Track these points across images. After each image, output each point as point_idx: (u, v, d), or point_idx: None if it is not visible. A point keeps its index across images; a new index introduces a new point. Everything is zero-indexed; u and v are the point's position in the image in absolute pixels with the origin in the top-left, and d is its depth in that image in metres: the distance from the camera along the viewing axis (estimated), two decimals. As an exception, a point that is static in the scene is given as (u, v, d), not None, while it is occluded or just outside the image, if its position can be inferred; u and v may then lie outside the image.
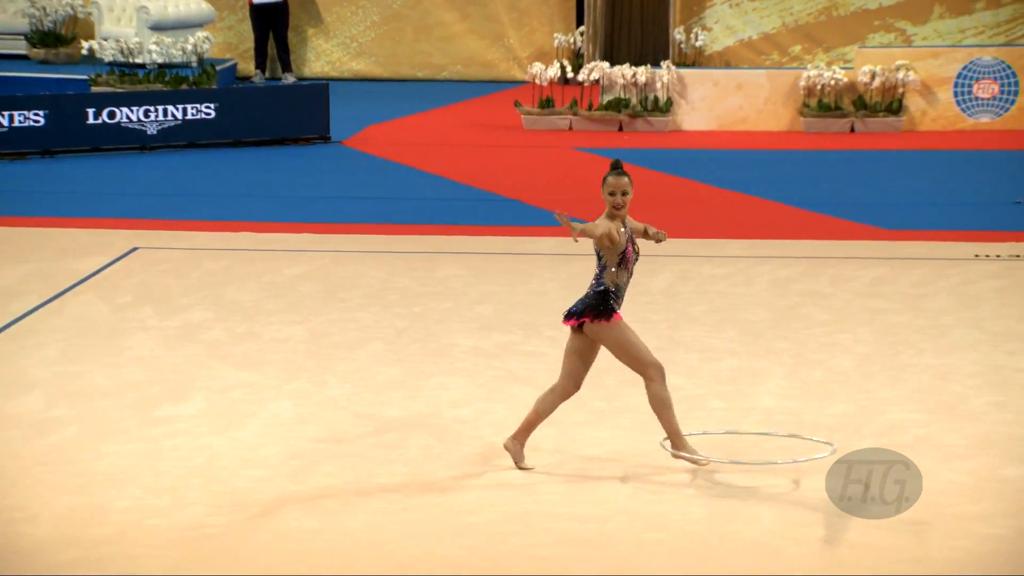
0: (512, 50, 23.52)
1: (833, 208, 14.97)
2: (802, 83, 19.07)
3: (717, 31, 22.77)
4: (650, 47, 22.00)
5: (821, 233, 14.01)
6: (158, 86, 20.07)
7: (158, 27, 21.92)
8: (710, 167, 16.93)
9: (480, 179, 16.69)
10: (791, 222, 14.55)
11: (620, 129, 19.42)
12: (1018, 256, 12.86)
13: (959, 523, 7.43)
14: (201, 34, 21.22)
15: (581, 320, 8.06)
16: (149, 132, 18.03)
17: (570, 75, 19.72)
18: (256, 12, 22.93)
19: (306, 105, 18.63)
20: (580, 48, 22.39)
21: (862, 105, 19.09)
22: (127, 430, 8.86)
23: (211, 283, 12.27)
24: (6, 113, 17.47)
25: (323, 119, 18.63)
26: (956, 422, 8.90)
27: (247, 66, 23.38)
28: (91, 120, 17.80)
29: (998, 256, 12.86)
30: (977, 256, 12.88)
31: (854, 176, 16.85)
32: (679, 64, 20.77)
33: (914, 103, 19.16)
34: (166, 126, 18.10)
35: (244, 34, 23.63)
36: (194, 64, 20.89)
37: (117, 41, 21.29)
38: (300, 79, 23.13)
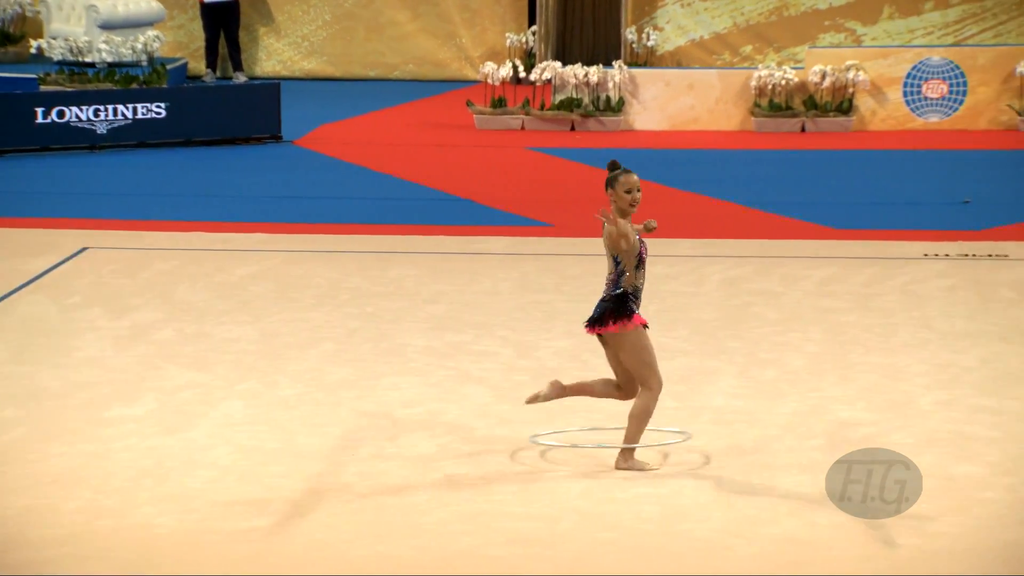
0: (464, 49, 23.52)
1: (784, 207, 15.03)
2: (753, 83, 19.15)
3: (669, 31, 22.83)
4: (602, 47, 22.03)
5: (772, 232, 14.07)
6: (108, 85, 19.96)
7: (108, 26, 21.80)
8: (662, 166, 16.97)
9: (432, 179, 16.68)
10: (742, 221, 14.60)
11: (572, 129, 19.45)
12: (967, 255, 12.95)
13: (908, 521, 7.47)
14: (151, 33, 21.14)
15: (603, 328, 8.01)
16: (99, 131, 17.93)
17: (522, 75, 19.73)
18: (207, 11, 22.83)
19: (257, 104, 18.57)
20: (532, 48, 22.41)
21: (813, 105, 19.18)
22: (76, 431, 8.81)
23: (161, 283, 12.21)
24: (-46, 112, 17.34)
25: (275, 118, 18.57)
26: (905, 420, 8.95)
27: (198, 65, 23.29)
28: (40, 119, 17.68)
29: (947, 255, 12.95)
30: (926, 255, 12.96)
31: (805, 176, 16.93)
32: (631, 64, 20.82)
33: (864, 103, 19.27)
34: (116, 125, 18.01)
35: (195, 33, 23.54)
36: (144, 63, 20.79)
37: (66, 40, 21.17)
38: (251, 78, 23.05)
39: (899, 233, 13.90)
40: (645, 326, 8.11)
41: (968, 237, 13.61)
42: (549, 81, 19.53)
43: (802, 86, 19.20)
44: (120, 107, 17.98)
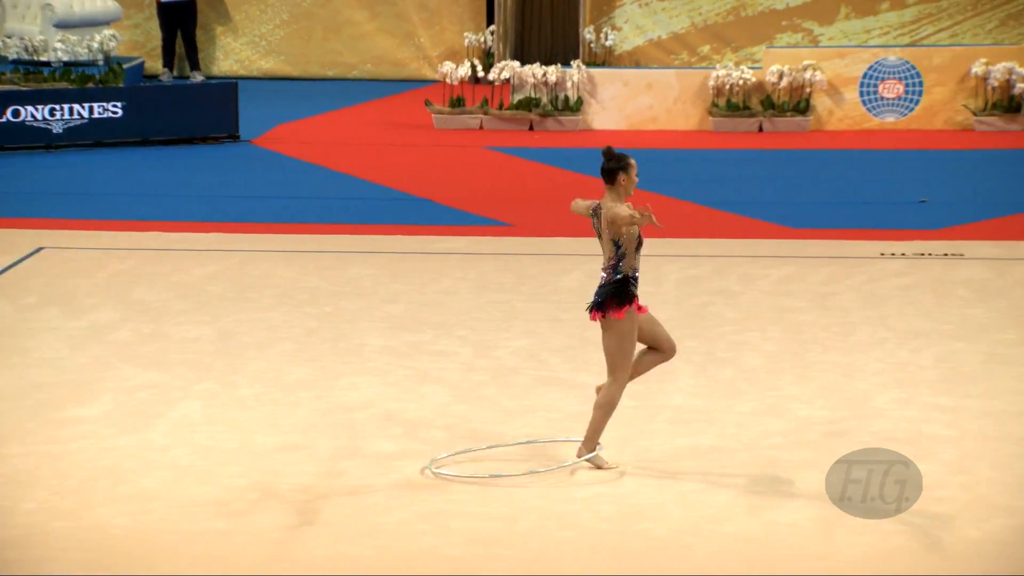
0: (422, 49, 23.49)
1: (741, 207, 15.07)
2: (711, 83, 19.20)
3: (627, 31, 22.86)
4: (560, 46, 22.05)
5: (730, 232, 14.11)
6: (64, 84, 19.84)
7: (63, 24, 21.67)
8: (620, 166, 16.96)
9: (391, 178, 16.66)
10: (700, 221, 14.63)
11: (531, 128, 19.45)
12: (923, 255, 13.02)
13: (864, 519, 7.50)
14: (107, 32, 21.01)
15: (604, 315, 8.03)
16: (55, 131, 17.82)
17: (480, 74, 19.72)
18: (163, 10, 22.73)
19: (215, 104, 18.49)
20: (490, 47, 22.40)
21: (770, 105, 19.24)
22: (32, 432, 8.76)
23: (118, 283, 12.15)
24: (-92, 111, 17.22)
25: (232, 118, 18.50)
26: (862, 419, 8.99)
27: (154, 64, 23.18)
28: (-5, 118, 17.58)
29: (903, 255, 13.02)
30: (883, 255, 13.02)
31: (762, 175, 16.98)
32: (589, 64, 20.83)
33: (821, 103, 19.34)
34: (72, 125, 17.91)
35: (151, 32, 23.43)
36: (100, 62, 20.67)
37: (22, 39, 21.02)
38: (208, 78, 22.97)
39: (856, 232, 13.96)
40: (640, 309, 8.13)
41: (924, 236, 13.68)
42: (507, 81, 19.53)
43: (759, 86, 19.26)
44: (76, 106, 17.88)
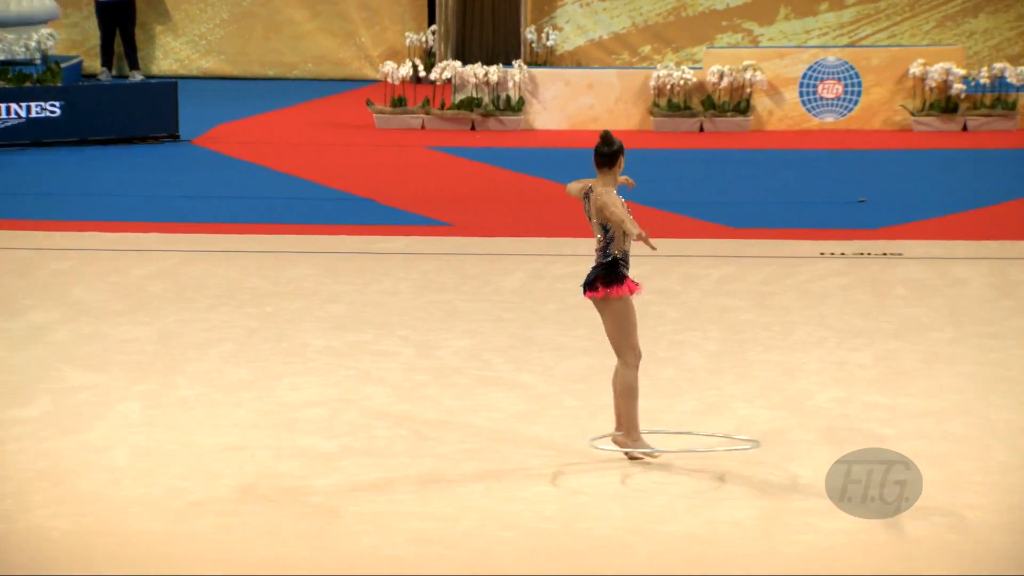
0: (364, 48, 23.45)
1: (682, 207, 15.12)
2: (652, 83, 19.25)
3: (568, 31, 22.90)
4: (502, 46, 22.05)
5: (671, 231, 14.15)
6: (1, 84, 19.67)
7: (0, 23, 21.49)
8: (562, 166, 17.00)
9: (332, 178, 16.61)
10: (641, 220, 14.60)
11: (472, 128, 19.45)
12: (862, 254, 13.10)
13: (804, 518, 7.55)
14: (45, 31, 20.86)
15: (593, 293, 8.13)
16: (-8, 130, 17.67)
17: (422, 74, 19.70)
18: (102, 9, 22.58)
19: (154, 103, 18.39)
20: (432, 47, 22.38)
21: (711, 105, 19.32)
22: (-30, 434, 8.68)
23: (57, 283, 12.06)
24: None
25: (172, 117, 18.40)
26: (802, 417, 9.04)
27: (93, 64, 23.03)
28: (-68, 118, 17.41)
29: (843, 254, 13.10)
30: (822, 254, 13.10)
31: (703, 175, 17.05)
32: (531, 63, 20.86)
33: (761, 103, 19.44)
34: (9, 124, 17.75)
35: (90, 31, 23.27)
36: (38, 61, 20.51)
37: (-42, 37, 20.81)
38: (148, 77, 22.84)
39: (796, 232, 14.03)
40: (633, 292, 8.16)
41: (863, 236, 13.77)
42: (449, 80, 19.52)
43: (700, 86, 19.33)
44: (14, 106, 17.73)
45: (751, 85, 19.22)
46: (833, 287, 12.04)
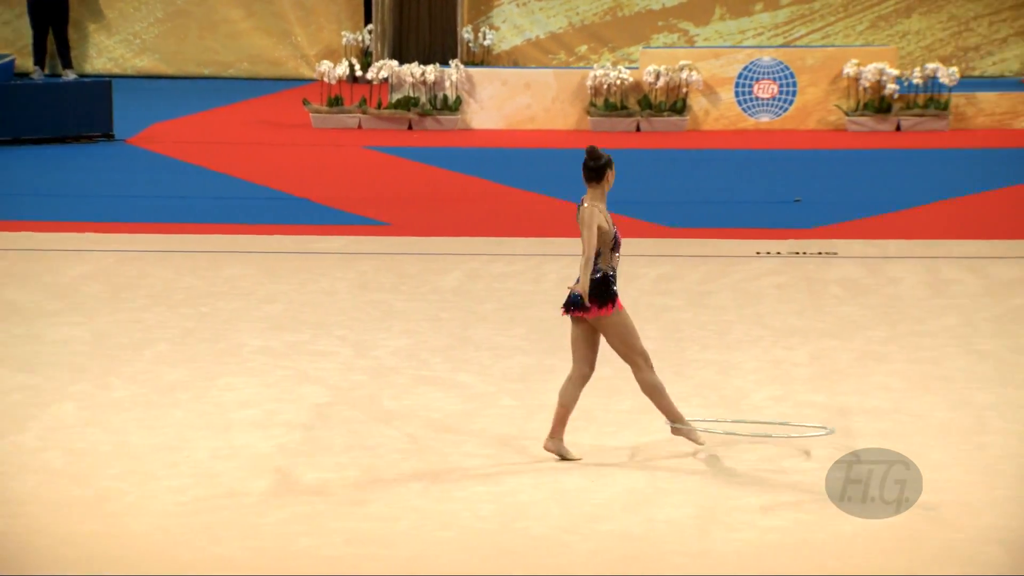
0: (300, 48, 23.37)
1: (619, 206, 15.08)
2: (589, 82, 19.30)
3: (505, 30, 22.91)
4: (439, 46, 22.05)
5: (608, 231, 14.18)
6: (-68, 82, 19.49)
7: (-68, 21, 21.28)
8: (499, 165, 17.01)
9: (268, 178, 16.55)
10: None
11: (410, 128, 19.43)
12: (798, 253, 13.18)
13: (742, 515, 7.58)
14: (-23, 29, 20.66)
15: (586, 313, 8.06)
16: (-77, 129, 17.49)
17: (359, 73, 19.66)
18: (34, 7, 22.39)
19: (88, 102, 18.26)
20: (369, 46, 22.34)
21: (647, 104, 19.38)
22: (-99, 436, 8.58)
23: (-11, 284, 11.95)
24: None
25: (106, 117, 18.28)
26: (738, 416, 9.07)
27: (26, 62, 22.83)
28: None
29: (778, 253, 13.17)
30: (758, 253, 13.17)
31: (639, 174, 17.09)
32: (468, 63, 20.86)
33: (697, 103, 19.52)
34: (-59, 123, 17.58)
35: (22, 30, 23.06)
36: (-30, 60, 20.32)
37: None
38: (81, 76, 22.67)
39: (732, 231, 14.10)
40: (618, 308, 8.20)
41: (799, 235, 13.85)
42: (386, 80, 19.49)
43: (637, 86, 19.39)
44: (-55, 104, 17.56)
45: (687, 85, 19.30)
46: (769, 286, 12.10)
